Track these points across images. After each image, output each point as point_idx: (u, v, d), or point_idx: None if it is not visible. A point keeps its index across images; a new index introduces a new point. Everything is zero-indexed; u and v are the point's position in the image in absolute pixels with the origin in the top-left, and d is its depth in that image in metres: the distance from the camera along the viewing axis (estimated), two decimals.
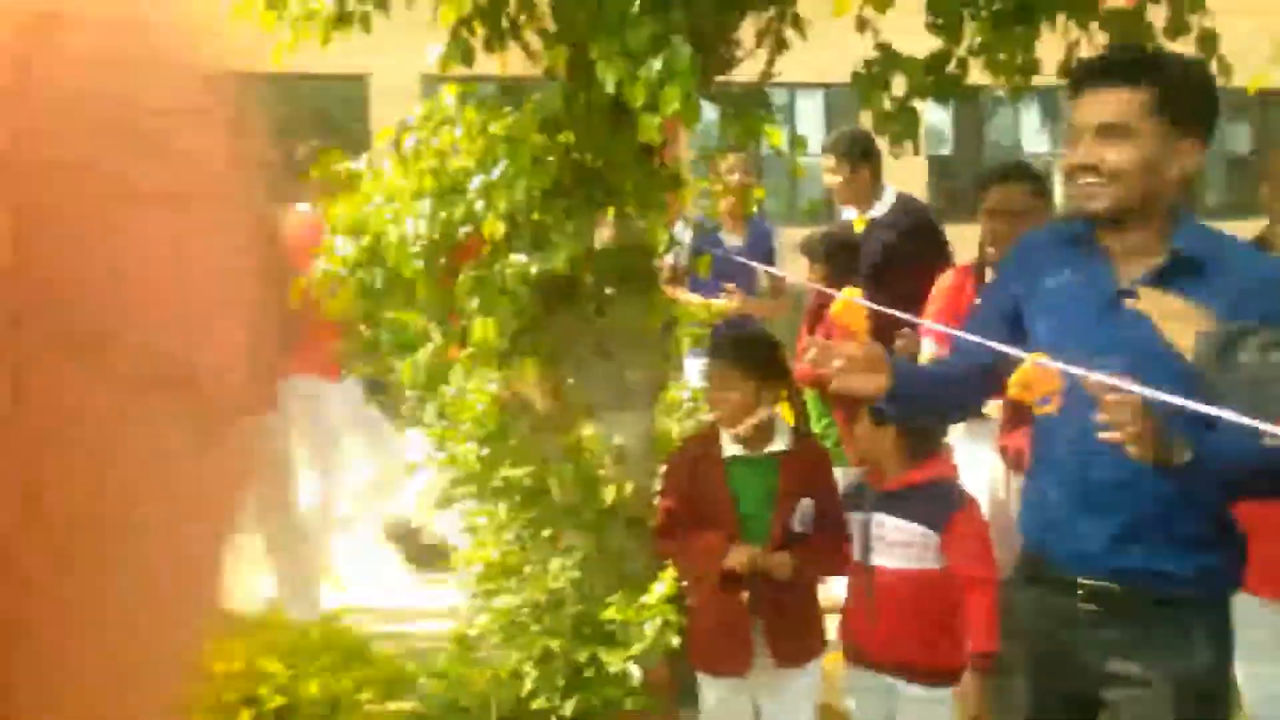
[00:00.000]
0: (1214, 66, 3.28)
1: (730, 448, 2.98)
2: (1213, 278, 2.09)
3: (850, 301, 2.39)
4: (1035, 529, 2.35)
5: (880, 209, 4.87)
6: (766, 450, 3.00)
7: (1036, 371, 1.83)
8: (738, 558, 2.88)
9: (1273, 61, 4.46)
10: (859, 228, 4.85)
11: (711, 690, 3.10)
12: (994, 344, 2.12)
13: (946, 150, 17.27)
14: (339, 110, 15.25)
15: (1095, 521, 2.18)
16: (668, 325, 3.34)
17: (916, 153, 3.13)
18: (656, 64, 2.45)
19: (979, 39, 3.13)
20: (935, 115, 14.70)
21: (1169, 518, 2.13)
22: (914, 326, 3.37)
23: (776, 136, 3.32)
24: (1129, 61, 2.19)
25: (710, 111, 2.96)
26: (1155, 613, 2.18)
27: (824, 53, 3.02)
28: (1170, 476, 2.01)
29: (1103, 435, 1.96)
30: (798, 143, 3.35)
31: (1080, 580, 2.22)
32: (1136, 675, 2.17)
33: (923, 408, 2.51)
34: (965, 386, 2.48)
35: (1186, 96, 2.15)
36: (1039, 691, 2.39)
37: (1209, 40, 3.30)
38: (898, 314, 2.45)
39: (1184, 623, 2.18)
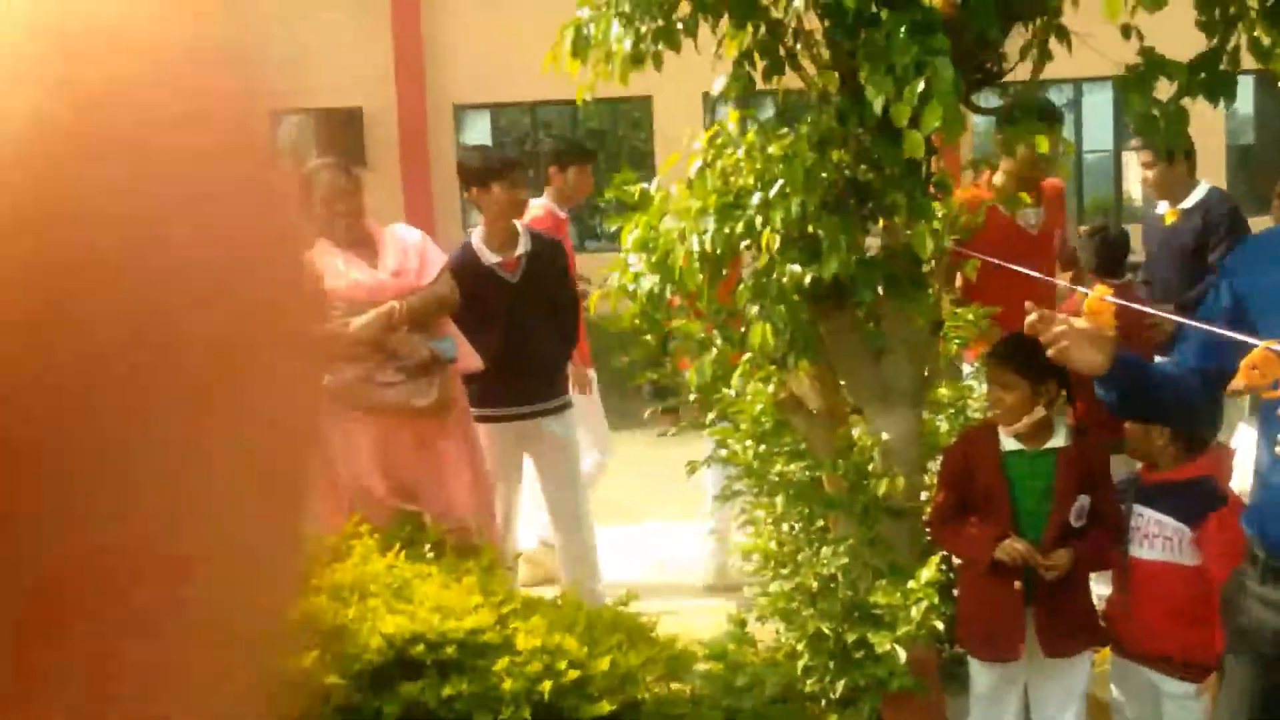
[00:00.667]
0: None
1: (1008, 443, 3.10)
2: None
3: (1100, 299, 2.49)
4: (1263, 521, 2.35)
5: (1190, 201, 5.07)
6: (1045, 446, 3.11)
7: (1267, 355, 1.89)
8: (1013, 551, 3.01)
9: None
10: (1170, 220, 5.11)
11: (982, 676, 3.24)
12: (1220, 331, 2.19)
13: (1248, 140, 16.49)
14: (626, 129, 16.04)
15: None
16: (935, 327, 3.49)
17: (1189, 154, 3.17)
18: (920, 84, 2.64)
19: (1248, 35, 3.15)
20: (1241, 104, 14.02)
21: None
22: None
23: (1044, 144, 3.44)
24: None
25: None
26: None
27: (1108, 46, 3.09)
28: None
29: None
30: (1067, 146, 3.44)
31: None
32: None
33: (1140, 400, 2.55)
34: (1185, 384, 2.50)
35: None
36: (1266, 690, 2.39)
37: None
38: (1147, 309, 2.53)
39: None
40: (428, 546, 3.68)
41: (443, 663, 3.26)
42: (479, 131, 15.51)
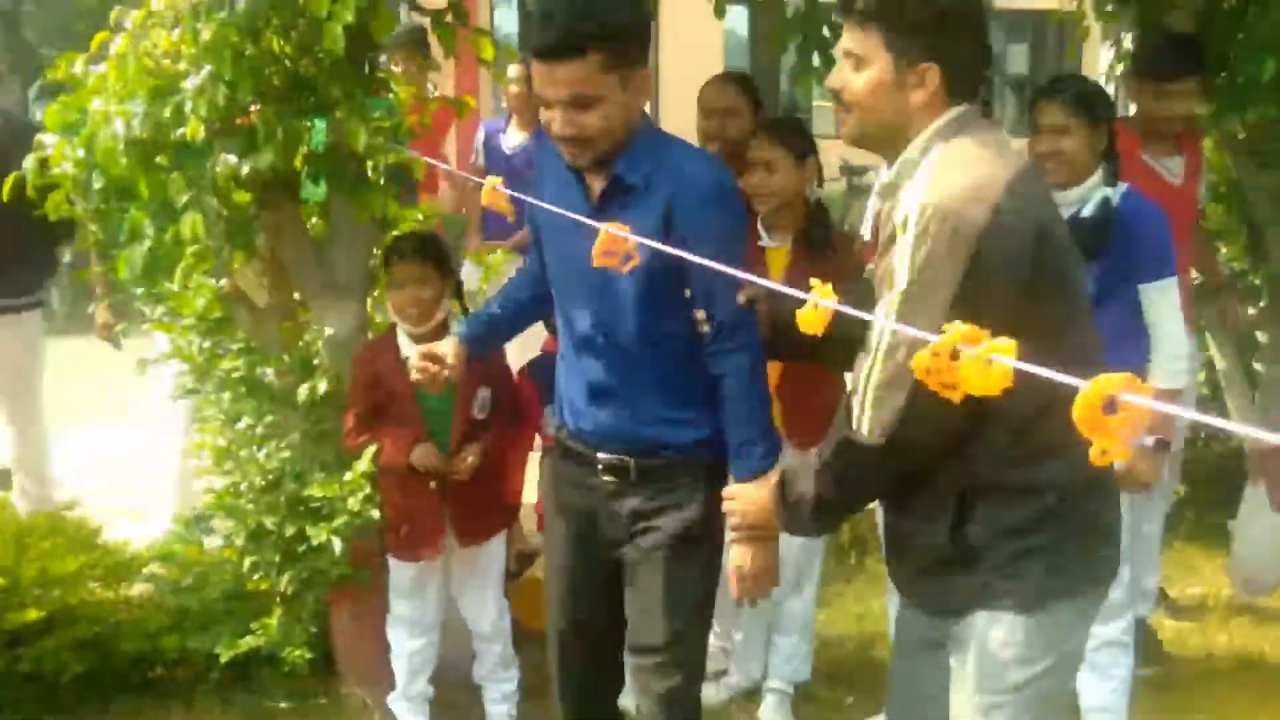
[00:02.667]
0: None
1: (408, 347, 3.14)
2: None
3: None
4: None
5: None
6: None
7: (612, 236, 2.03)
8: (424, 460, 3.13)
9: None
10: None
11: (402, 572, 3.36)
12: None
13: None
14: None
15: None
16: (380, 223, 3.53)
17: None
18: None
19: None
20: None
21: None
22: None
23: (487, 48, 3.54)
24: None
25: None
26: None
27: None
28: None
29: None
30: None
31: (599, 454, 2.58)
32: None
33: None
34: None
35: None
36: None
37: None
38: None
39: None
40: None
41: None
42: None
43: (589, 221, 2.15)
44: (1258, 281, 4.86)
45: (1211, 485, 5.09)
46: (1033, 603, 1.97)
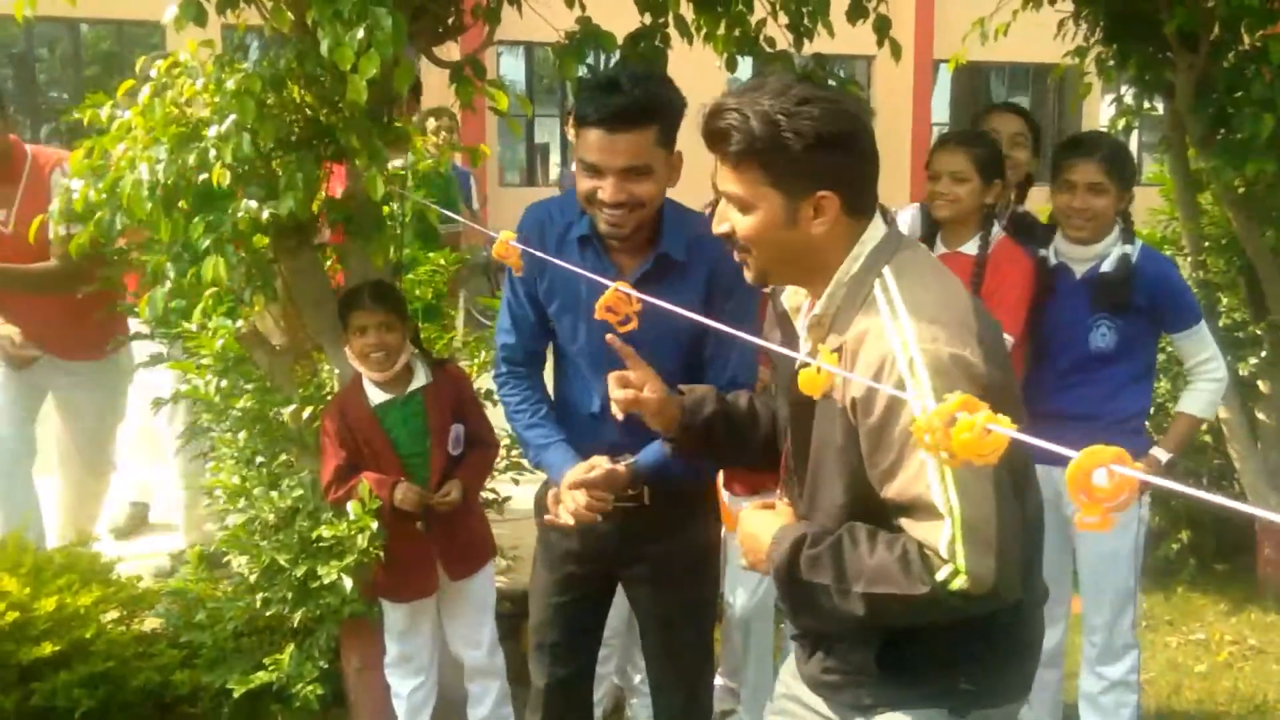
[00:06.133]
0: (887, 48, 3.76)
1: (376, 395, 3.23)
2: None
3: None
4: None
5: None
6: (410, 389, 3.26)
7: (619, 295, 2.08)
8: (407, 498, 3.17)
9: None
10: None
11: (397, 613, 3.41)
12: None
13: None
14: (144, 51, 15.03)
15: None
16: (396, 268, 3.61)
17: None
18: (359, 32, 2.73)
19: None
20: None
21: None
22: None
23: (503, 100, 3.64)
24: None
25: None
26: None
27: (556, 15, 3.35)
28: None
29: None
30: (524, 106, 3.66)
31: None
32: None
33: None
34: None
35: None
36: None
37: (881, 23, 3.77)
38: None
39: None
40: None
41: None
42: None
43: (631, 292, 2.11)
44: (1259, 332, 4.93)
45: (1214, 532, 5.13)
46: (955, 707, 1.91)
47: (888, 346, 1.72)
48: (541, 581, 2.95)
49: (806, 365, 1.75)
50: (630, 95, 2.39)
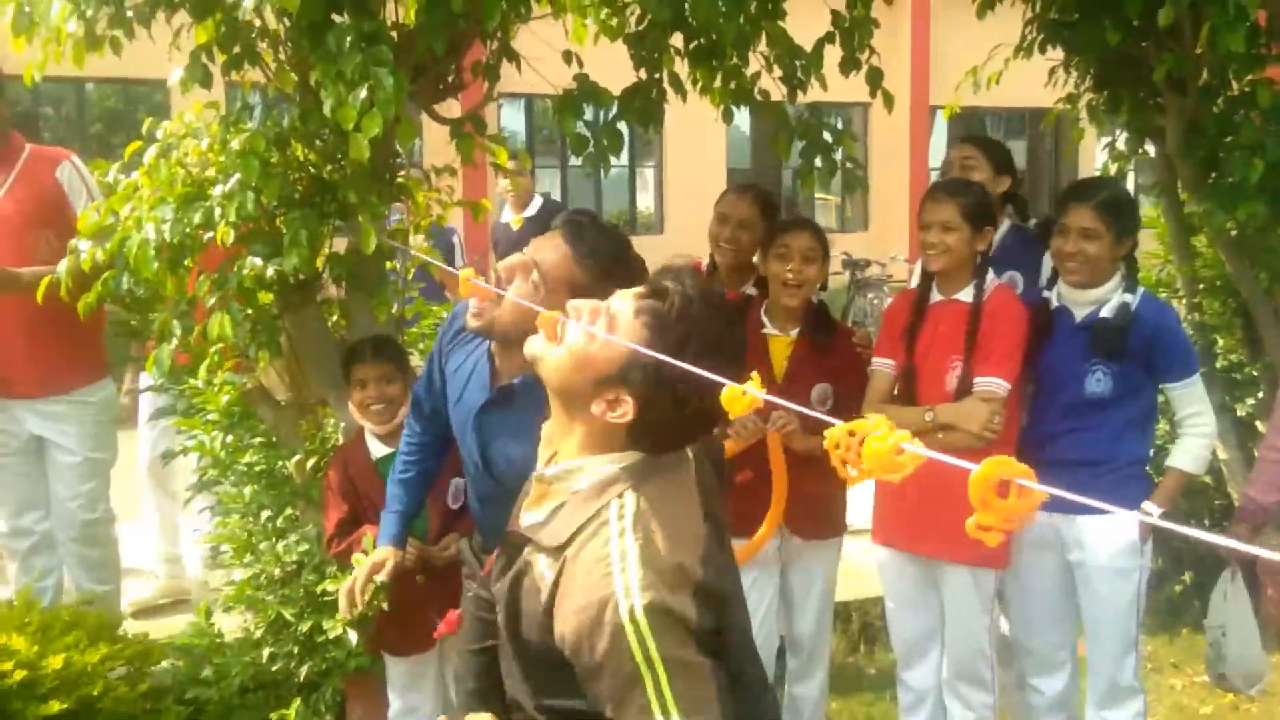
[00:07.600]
0: (880, 98, 3.82)
1: (377, 448, 3.26)
2: None
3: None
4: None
5: (531, 209, 7.09)
6: None
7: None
8: (411, 550, 3.15)
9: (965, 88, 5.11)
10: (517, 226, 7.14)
11: (399, 666, 3.41)
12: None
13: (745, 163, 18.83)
14: (149, 111, 15.24)
15: None
16: (399, 322, 3.65)
17: (607, 172, 3.54)
18: (362, 91, 2.79)
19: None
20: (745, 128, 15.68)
21: None
22: None
23: (503, 155, 3.70)
24: None
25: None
26: None
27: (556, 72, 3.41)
28: None
29: None
30: (523, 159, 3.73)
31: None
32: None
33: None
34: None
35: None
36: None
37: (874, 74, 3.83)
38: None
39: None
40: None
41: None
42: None
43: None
44: (1255, 373, 4.96)
45: (1218, 573, 5.12)
46: None
47: (610, 590, 1.54)
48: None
49: None
50: None
